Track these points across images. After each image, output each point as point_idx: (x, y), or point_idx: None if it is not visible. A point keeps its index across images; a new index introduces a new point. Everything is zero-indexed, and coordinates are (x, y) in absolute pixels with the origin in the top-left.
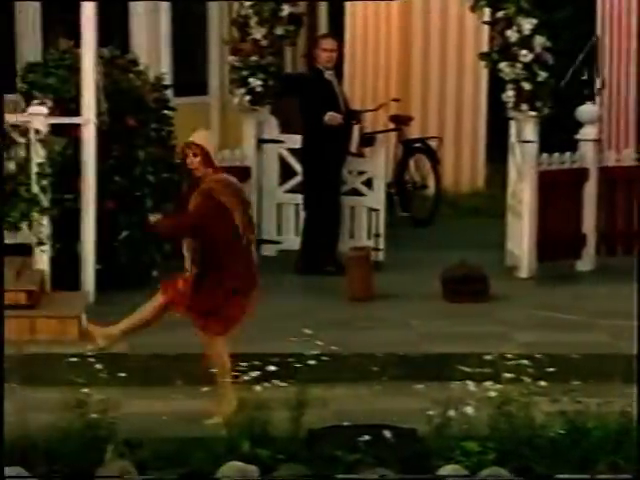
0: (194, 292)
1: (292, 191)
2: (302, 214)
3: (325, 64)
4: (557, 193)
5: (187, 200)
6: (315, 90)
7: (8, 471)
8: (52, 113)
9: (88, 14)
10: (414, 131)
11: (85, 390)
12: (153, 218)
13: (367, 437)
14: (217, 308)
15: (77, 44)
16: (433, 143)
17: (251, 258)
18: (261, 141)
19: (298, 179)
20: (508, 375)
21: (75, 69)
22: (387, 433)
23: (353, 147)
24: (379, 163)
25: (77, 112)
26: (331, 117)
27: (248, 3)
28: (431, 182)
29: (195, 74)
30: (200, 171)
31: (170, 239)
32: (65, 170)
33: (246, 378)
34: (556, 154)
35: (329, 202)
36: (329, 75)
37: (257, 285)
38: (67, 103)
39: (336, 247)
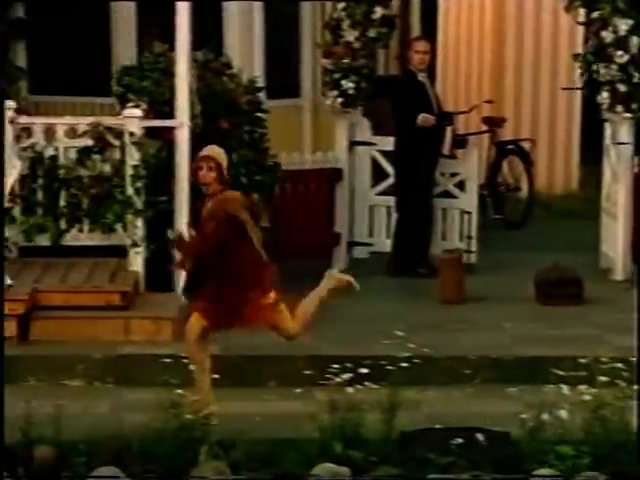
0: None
1: (384, 193)
2: (394, 216)
3: (418, 66)
4: None
5: (198, 214)
6: (408, 92)
7: (103, 471)
8: (146, 116)
9: (182, 17)
10: (507, 133)
11: (179, 391)
12: (172, 235)
13: (460, 440)
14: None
15: (171, 47)
16: (526, 145)
17: (264, 266)
18: (353, 143)
19: (390, 181)
20: (603, 379)
21: (169, 72)
22: (480, 436)
23: (445, 149)
24: (472, 165)
25: (171, 115)
26: (424, 118)
27: (341, 5)
28: (524, 184)
29: (288, 77)
30: (213, 187)
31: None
32: (159, 172)
33: (338, 380)
34: None
35: (421, 204)
36: (422, 77)
37: (269, 291)
38: (161, 106)
39: (428, 249)
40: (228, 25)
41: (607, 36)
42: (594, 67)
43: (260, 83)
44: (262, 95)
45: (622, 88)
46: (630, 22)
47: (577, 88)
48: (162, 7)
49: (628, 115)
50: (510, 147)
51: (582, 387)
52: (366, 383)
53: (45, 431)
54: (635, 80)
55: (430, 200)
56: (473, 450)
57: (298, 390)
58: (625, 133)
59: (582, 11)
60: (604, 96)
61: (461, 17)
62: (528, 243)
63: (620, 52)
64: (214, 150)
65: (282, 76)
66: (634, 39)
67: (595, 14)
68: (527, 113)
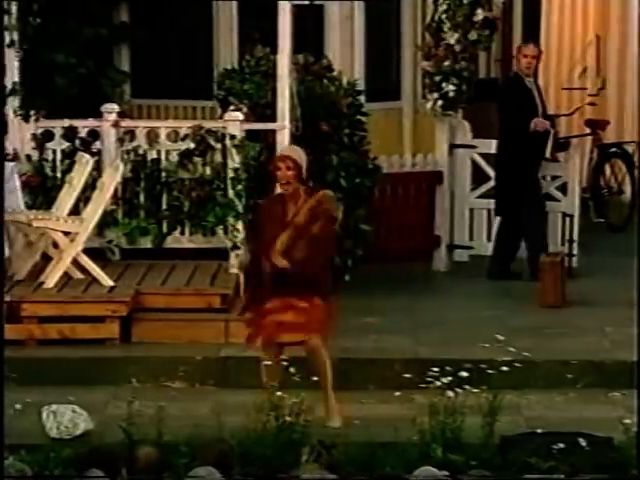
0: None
1: (484, 196)
2: (495, 219)
3: (525, 70)
4: None
5: (266, 212)
6: (515, 96)
7: (199, 471)
8: (247, 119)
9: (284, 20)
10: (610, 136)
11: (279, 393)
12: (281, 263)
13: (562, 445)
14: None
15: (273, 50)
16: (630, 148)
17: None
18: (453, 146)
19: (491, 184)
20: None
21: (271, 75)
22: (582, 441)
23: (547, 152)
24: (574, 168)
25: (272, 118)
26: (538, 123)
27: (442, 8)
28: (627, 187)
29: (388, 79)
30: (292, 186)
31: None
32: (260, 175)
33: (438, 384)
34: None
35: (528, 208)
36: (529, 81)
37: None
38: (262, 109)
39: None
40: (329, 28)
41: None
42: None
43: (360, 86)
44: (362, 98)
45: None
46: None
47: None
48: (264, 10)
49: None
50: (613, 150)
51: None
52: (466, 387)
53: (147, 432)
54: None
55: (538, 204)
56: (575, 455)
57: (397, 393)
58: None
59: None
60: None
61: (564, 21)
62: (630, 247)
63: None
64: (293, 150)
65: (382, 79)
66: None
67: None
68: (630, 115)
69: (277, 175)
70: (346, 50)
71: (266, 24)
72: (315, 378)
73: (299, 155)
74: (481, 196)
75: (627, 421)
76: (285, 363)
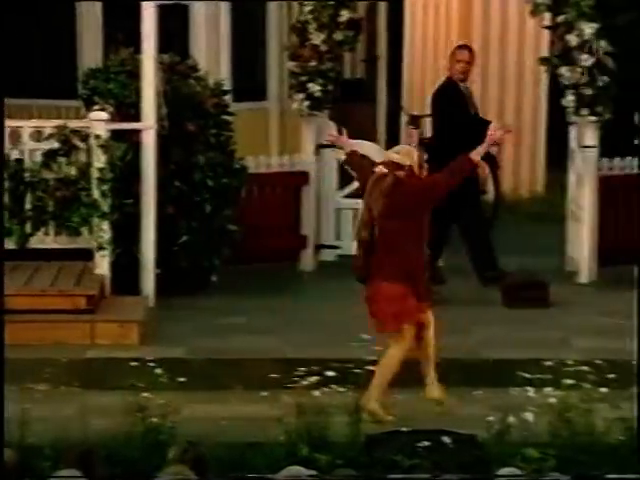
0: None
1: (350, 196)
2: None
3: (459, 75)
4: (617, 198)
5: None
6: (449, 102)
7: (63, 473)
8: (113, 119)
9: (148, 20)
10: None
11: (145, 394)
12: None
13: (426, 443)
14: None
15: (137, 50)
16: (493, 148)
17: None
18: (320, 146)
19: (356, 184)
20: (568, 381)
21: (136, 75)
22: (446, 439)
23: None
24: None
25: (137, 118)
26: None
27: (307, 8)
28: (490, 187)
29: (254, 80)
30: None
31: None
32: (125, 175)
33: (305, 383)
34: (617, 159)
35: (470, 213)
36: (462, 86)
37: None
38: (127, 109)
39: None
40: (194, 28)
41: (572, 40)
42: (559, 71)
43: (226, 86)
44: (228, 98)
45: (587, 92)
46: (595, 26)
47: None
48: (128, 10)
49: (593, 118)
50: None
51: (548, 390)
52: (333, 386)
53: (11, 435)
54: (600, 84)
55: (479, 209)
56: (439, 453)
57: (264, 393)
58: (590, 136)
59: (547, 15)
60: (569, 99)
61: (428, 22)
62: (494, 246)
63: (585, 56)
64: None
65: (249, 79)
66: (599, 43)
67: (560, 18)
68: (493, 117)
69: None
70: (212, 50)
71: (131, 24)
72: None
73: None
74: (347, 196)
75: (490, 418)
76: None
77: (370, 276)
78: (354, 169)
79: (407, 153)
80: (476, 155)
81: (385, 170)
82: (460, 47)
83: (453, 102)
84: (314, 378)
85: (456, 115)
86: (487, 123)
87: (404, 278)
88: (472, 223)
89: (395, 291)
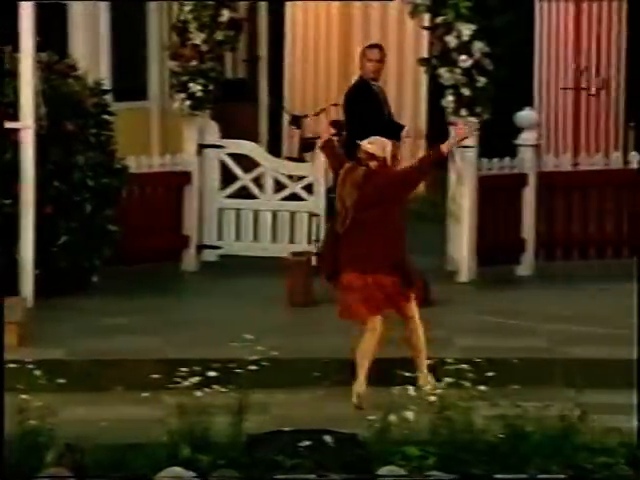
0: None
1: (233, 196)
2: (244, 219)
3: (371, 74)
4: (496, 198)
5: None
6: (362, 101)
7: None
8: None
9: (26, 18)
10: None
11: (24, 396)
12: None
13: (308, 442)
14: None
15: (16, 49)
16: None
17: None
18: (202, 146)
19: (240, 184)
20: (448, 380)
21: (13, 74)
22: (328, 438)
23: (294, 152)
24: (319, 168)
25: (16, 117)
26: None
27: (187, 8)
28: None
29: (135, 79)
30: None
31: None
32: (4, 175)
33: (186, 384)
34: (495, 159)
35: None
36: (375, 85)
37: None
38: (5, 108)
39: None
40: (73, 26)
41: (451, 41)
42: (439, 71)
43: (106, 85)
44: (109, 97)
45: (466, 92)
46: (473, 27)
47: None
48: (5, 7)
49: (472, 119)
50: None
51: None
52: (214, 386)
53: None
54: (479, 84)
55: None
56: (321, 452)
57: (145, 394)
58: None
59: (427, 16)
60: (449, 100)
61: (308, 21)
62: None
63: (464, 57)
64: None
65: (129, 78)
66: (477, 44)
67: (439, 19)
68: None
69: (366, 151)
70: (91, 49)
71: (9, 22)
72: None
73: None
74: (230, 196)
75: (371, 417)
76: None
77: (340, 268)
78: (328, 158)
79: (381, 144)
80: (446, 147)
81: (357, 162)
82: (371, 46)
83: (366, 102)
84: (196, 378)
85: (370, 115)
86: (401, 126)
87: (375, 269)
88: None
89: (364, 281)
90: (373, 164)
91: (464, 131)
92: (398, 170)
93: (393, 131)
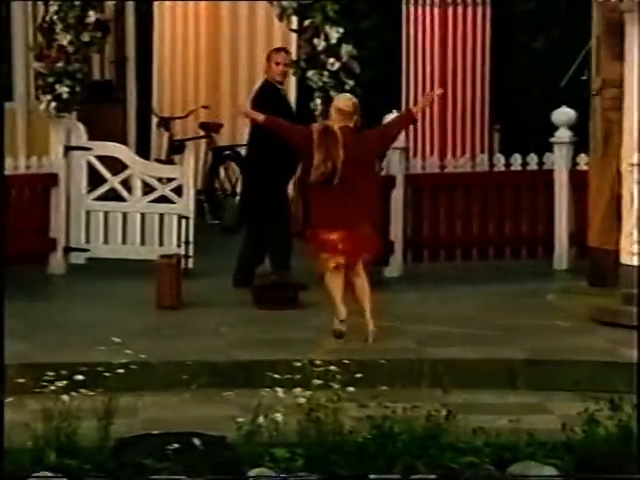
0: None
1: (100, 198)
2: (112, 222)
3: (277, 77)
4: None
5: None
6: (269, 105)
7: None
8: None
9: None
10: (224, 139)
11: None
12: None
13: (176, 445)
14: None
15: None
16: (243, 151)
17: None
18: (69, 148)
19: (108, 186)
20: (317, 381)
21: None
22: (196, 441)
23: (162, 154)
24: (188, 170)
25: None
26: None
27: (53, 8)
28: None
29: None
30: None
31: None
32: None
33: (52, 388)
34: None
35: (273, 221)
36: (281, 89)
37: None
38: None
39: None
40: None
41: (319, 44)
42: (307, 74)
43: None
44: None
45: (335, 94)
46: (341, 30)
47: None
48: None
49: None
50: (227, 153)
51: (297, 390)
52: (82, 390)
53: None
54: (347, 87)
55: (286, 217)
56: (190, 455)
57: (10, 399)
58: None
59: (295, 19)
60: (317, 102)
61: (176, 22)
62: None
63: (332, 60)
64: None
65: None
66: (345, 47)
67: (307, 22)
68: (243, 119)
69: (342, 109)
70: None
71: None
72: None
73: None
74: (98, 198)
75: (240, 419)
76: None
77: (317, 224)
78: (281, 128)
79: (353, 101)
80: (416, 109)
81: (330, 122)
82: (277, 50)
83: (276, 104)
84: (63, 382)
85: (281, 117)
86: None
87: (358, 222)
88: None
89: (341, 235)
90: (351, 122)
91: (432, 95)
92: (375, 129)
93: None
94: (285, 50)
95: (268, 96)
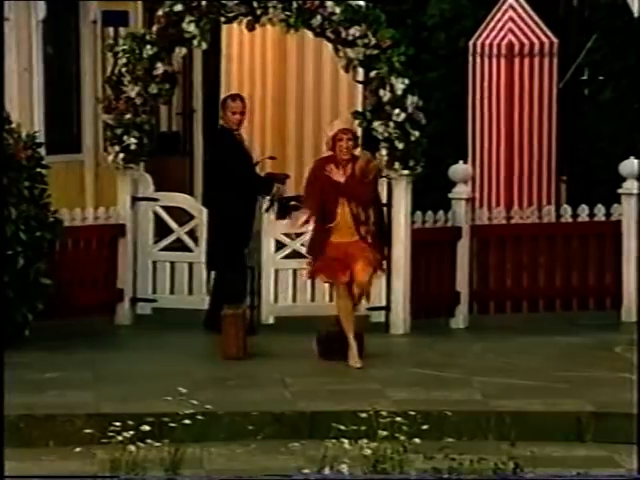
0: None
1: (167, 249)
2: (179, 272)
3: (234, 125)
4: (430, 251)
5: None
6: (228, 151)
7: None
8: None
9: None
10: (290, 189)
11: None
12: None
13: None
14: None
15: None
16: None
17: None
18: (136, 199)
19: (174, 236)
20: (383, 432)
21: None
22: None
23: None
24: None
25: None
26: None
27: (122, 61)
28: None
29: (69, 132)
30: (350, 152)
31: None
32: None
33: (120, 438)
34: (429, 212)
35: (240, 261)
36: (237, 134)
37: None
38: None
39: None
40: (7, 79)
41: (385, 95)
42: (373, 125)
43: (40, 138)
44: (42, 150)
45: (400, 146)
46: (406, 81)
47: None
48: None
49: (406, 172)
50: (292, 204)
51: (363, 441)
52: (148, 440)
53: None
54: (412, 138)
55: (242, 260)
56: None
57: (78, 449)
58: (402, 190)
59: (361, 70)
60: (383, 153)
61: (243, 74)
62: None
63: (397, 110)
64: (350, 124)
65: (63, 131)
66: (410, 98)
67: (373, 73)
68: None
69: (338, 146)
70: (25, 102)
71: None
72: None
73: (354, 126)
74: (164, 249)
75: (306, 471)
76: None
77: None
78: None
79: (347, 121)
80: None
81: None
82: (233, 98)
83: (233, 149)
84: (129, 433)
85: (238, 162)
86: (267, 180)
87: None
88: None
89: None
90: (354, 152)
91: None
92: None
93: (260, 181)
94: (240, 97)
95: (225, 144)
